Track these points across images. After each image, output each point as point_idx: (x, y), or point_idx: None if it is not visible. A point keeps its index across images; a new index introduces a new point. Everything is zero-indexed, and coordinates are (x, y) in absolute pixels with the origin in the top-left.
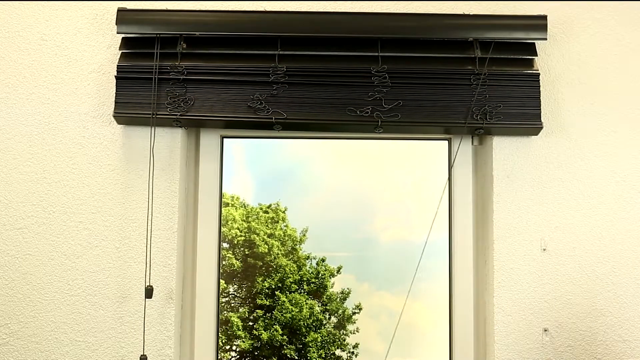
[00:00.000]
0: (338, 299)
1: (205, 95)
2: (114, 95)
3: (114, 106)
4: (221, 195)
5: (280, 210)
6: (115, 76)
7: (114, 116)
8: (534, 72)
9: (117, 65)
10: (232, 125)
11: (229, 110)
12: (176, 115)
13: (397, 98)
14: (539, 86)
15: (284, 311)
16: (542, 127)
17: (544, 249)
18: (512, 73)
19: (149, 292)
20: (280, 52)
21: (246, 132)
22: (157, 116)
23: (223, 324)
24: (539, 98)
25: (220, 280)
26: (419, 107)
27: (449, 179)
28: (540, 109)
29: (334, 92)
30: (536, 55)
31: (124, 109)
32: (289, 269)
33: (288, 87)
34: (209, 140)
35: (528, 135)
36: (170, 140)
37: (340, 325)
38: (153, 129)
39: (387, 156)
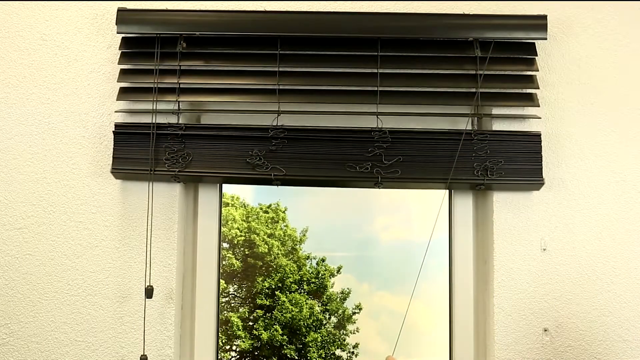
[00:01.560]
0: (338, 299)
1: (204, 150)
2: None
3: (112, 161)
4: (221, 195)
5: (280, 210)
6: (113, 132)
7: (111, 172)
8: (536, 131)
9: (115, 124)
10: (231, 180)
11: (228, 166)
12: (174, 171)
13: (397, 154)
14: (540, 142)
15: (284, 311)
16: (543, 183)
17: (544, 249)
18: (513, 133)
19: (149, 292)
20: (281, 52)
21: None
22: (155, 172)
23: (223, 324)
24: (540, 155)
25: (220, 280)
26: (419, 162)
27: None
28: (541, 165)
29: (333, 148)
30: (536, 55)
31: (121, 165)
32: (289, 269)
33: (287, 142)
34: None
35: (529, 191)
36: None
37: (340, 325)
38: (151, 183)
39: None
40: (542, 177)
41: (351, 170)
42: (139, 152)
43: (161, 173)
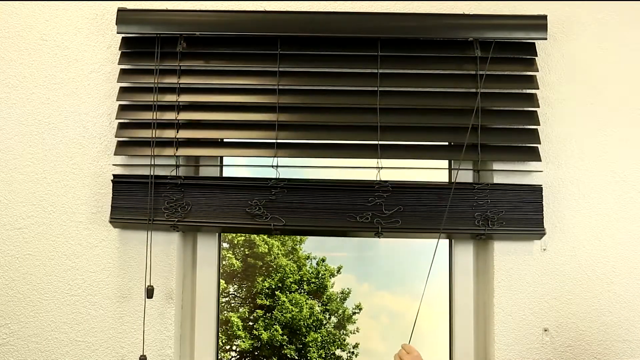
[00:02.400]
0: (338, 299)
1: (203, 200)
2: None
3: (110, 210)
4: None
5: None
6: (111, 180)
7: (110, 221)
8: (537, 184)
9: (113, 175)
10: (230, 230)
11: (227, 216)
12: (173, 221)
13: (398, 204)
14: (541, 193)
15: (284, 311)
16: (544, 233)
17: (544, 249)
18: (514, 185)
19: (149, 292)
20: (281, 52)
21: None
22: (154, 222)
23: (223, 324)
24: (541, 205)
25: (220, 280)
26: (420, 212)
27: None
28: (542, 216)
29: (333, 198)
30: (536, 55)
31: (120, 214)
32: (289, 269)
33: (287, 192)
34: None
35: (530, 240)
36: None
37: (340, 325)
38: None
39: None
40: (543, 228)
41: (351, 221)
42: (138, 202)
43: (160, 223)
